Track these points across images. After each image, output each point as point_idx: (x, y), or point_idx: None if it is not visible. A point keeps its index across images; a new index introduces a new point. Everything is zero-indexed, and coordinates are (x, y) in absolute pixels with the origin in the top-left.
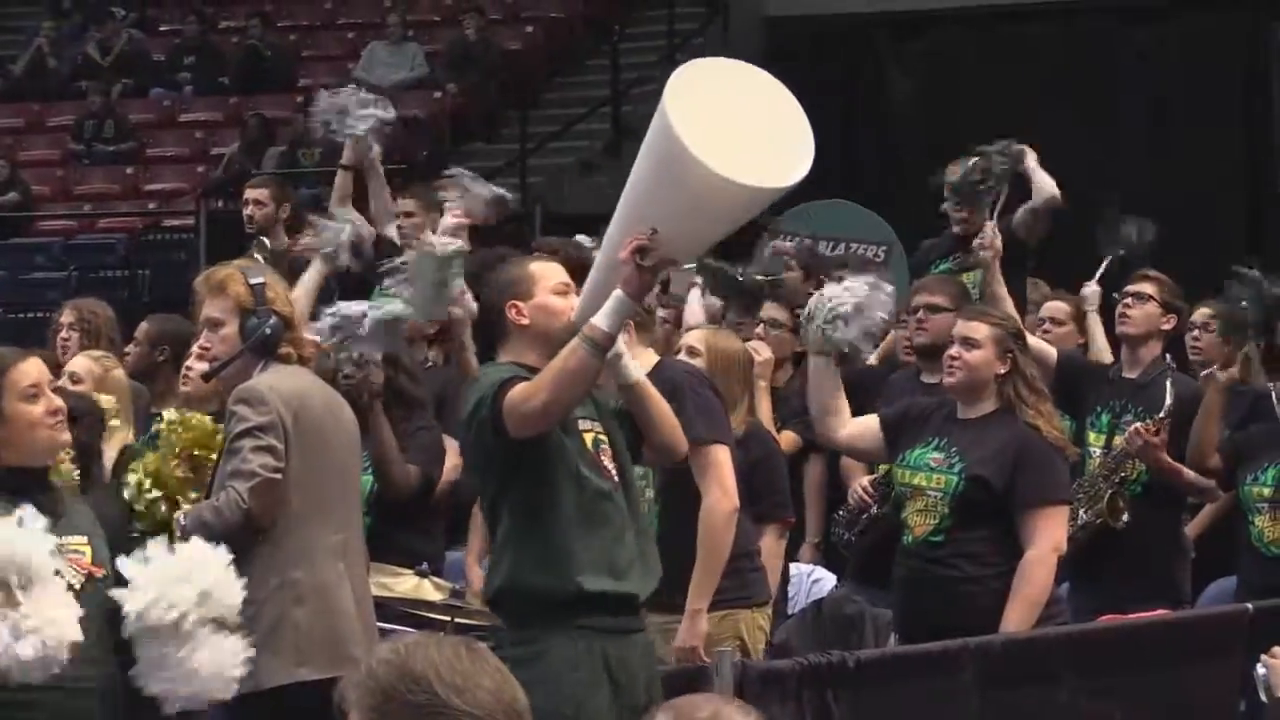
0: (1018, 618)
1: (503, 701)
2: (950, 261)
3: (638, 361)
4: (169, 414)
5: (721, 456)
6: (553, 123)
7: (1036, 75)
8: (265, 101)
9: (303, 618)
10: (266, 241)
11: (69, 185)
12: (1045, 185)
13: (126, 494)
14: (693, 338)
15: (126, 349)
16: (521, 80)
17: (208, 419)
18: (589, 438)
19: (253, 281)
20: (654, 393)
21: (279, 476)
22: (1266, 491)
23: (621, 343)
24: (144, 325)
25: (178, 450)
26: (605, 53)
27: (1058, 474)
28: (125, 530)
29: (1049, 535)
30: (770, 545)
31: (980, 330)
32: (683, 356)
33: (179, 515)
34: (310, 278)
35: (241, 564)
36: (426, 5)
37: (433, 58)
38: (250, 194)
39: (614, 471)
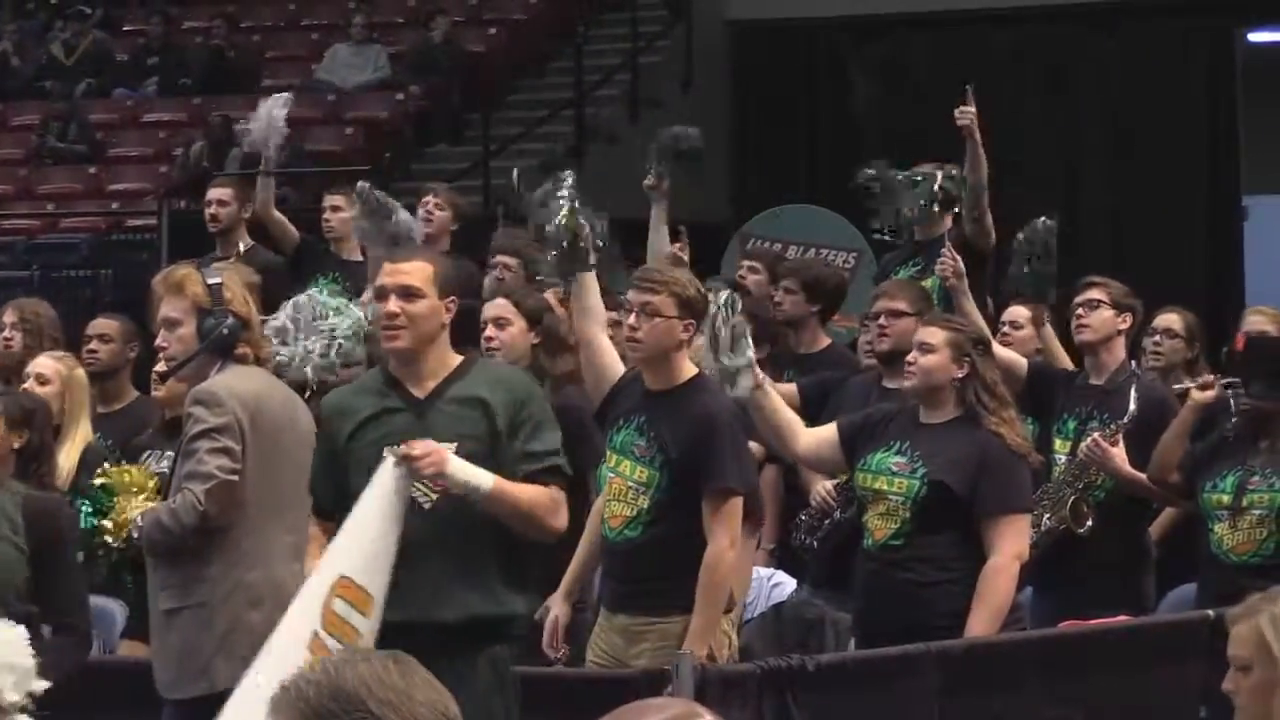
0: (981, 626)
1: (436, 713)
2: (910, 267)
3: (681, 367)
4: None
5: (739, 508)
6: (516, 125)
7: (996, 80)
8: (229, 102)
9: (258, 620)
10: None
11: (32, 185)
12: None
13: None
14: None
15: (90, 347)
16: (485, 82)
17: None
18: None
19: (210, 281)
20: (508, 498)
21: (235, 478)
22: (1226, 499)
23: (457, 466)
24: (112, 323)
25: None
26: (569, 55)
27: (1020, 482)
28: (56, 531)
29: (1011, 543)
30: (742, 545)
31: (936, 335)
32: None
33: (136, 517)
34: None
35: (199, 565)
36: (390, 7)
37: (396, 60)
38: (214, 194)
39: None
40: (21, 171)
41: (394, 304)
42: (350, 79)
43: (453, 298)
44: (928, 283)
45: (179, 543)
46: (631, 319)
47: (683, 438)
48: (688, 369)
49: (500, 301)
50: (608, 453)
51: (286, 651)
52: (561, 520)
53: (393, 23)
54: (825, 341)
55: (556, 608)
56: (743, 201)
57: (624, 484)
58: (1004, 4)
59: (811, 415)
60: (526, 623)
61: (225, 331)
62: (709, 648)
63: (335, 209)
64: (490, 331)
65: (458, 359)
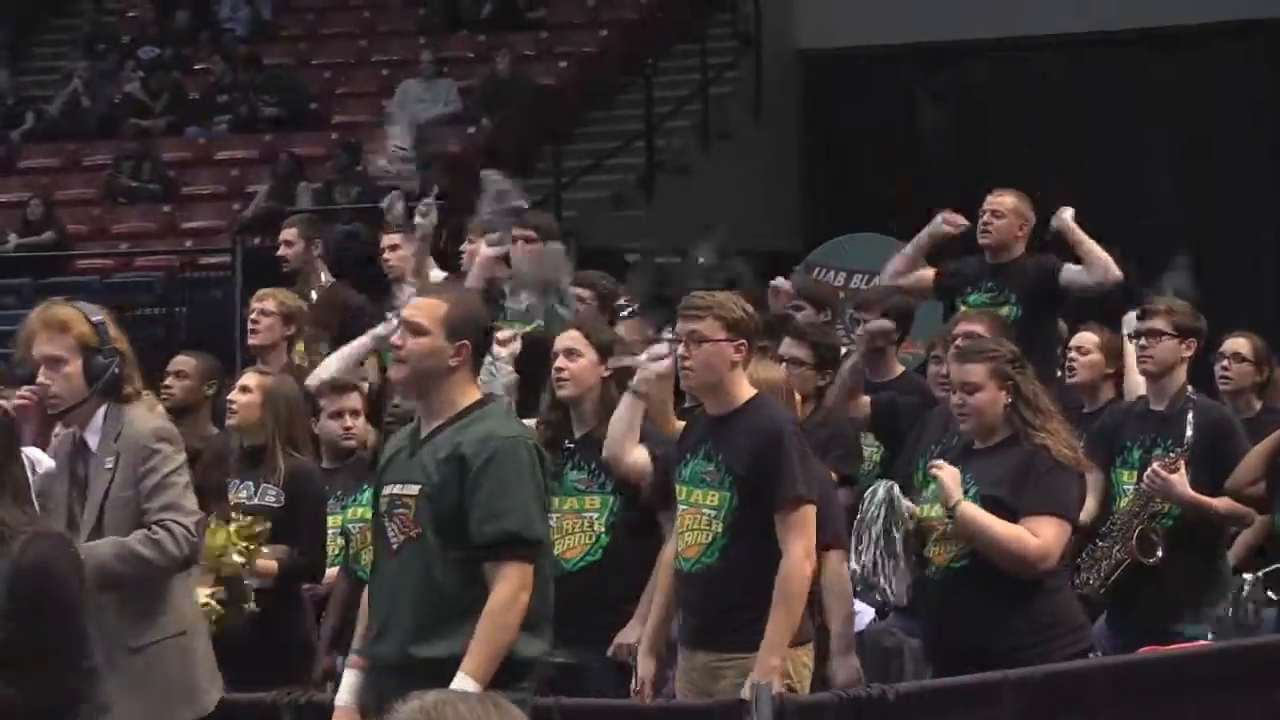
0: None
1: None
2: (983, 293)
3: (738, 389)
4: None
5: (812, 515)
6: (586, 157)
7: (1064, 104)
8: (300, 139)
9: (173, 662)
10: (311, 292)
11: (106, 224)
12: (1106, 264)
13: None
14: None
15: (166, 383)
16: (555, 115)
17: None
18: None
19: (94, 319)
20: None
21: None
22: None
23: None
24: (190, 360)
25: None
26: (638, 87)
27: (1061, 488)
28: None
29: (1047, 537)
30: (835, 569)
31: (977, 373)
32: None
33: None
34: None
35: (156, 599)
36: (459, 42)
37: (466, 94)
38: (283, 234)
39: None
40: (95, 211)
41: (399, 338)
42: (421, 114)
43: (464, 341)
44: (1005, 310)
45: (159, 574)
46: (681, 349)
47: (748, 454)
48: (746, 390)
49: (572, 333)
50: (677, 488)
51: None
52: (520, 603)
53: (462, 57)
54: (899, 369)
55: (642, 666)
56: (813, 229)
57: (697, 513)
58: (1070, 30)
59: (882, 429)
60: (530, 663)
61: (116, 371)
62: (788, 675)
63: (394, 248)
64: (561, 362)
65: (469, 400)
